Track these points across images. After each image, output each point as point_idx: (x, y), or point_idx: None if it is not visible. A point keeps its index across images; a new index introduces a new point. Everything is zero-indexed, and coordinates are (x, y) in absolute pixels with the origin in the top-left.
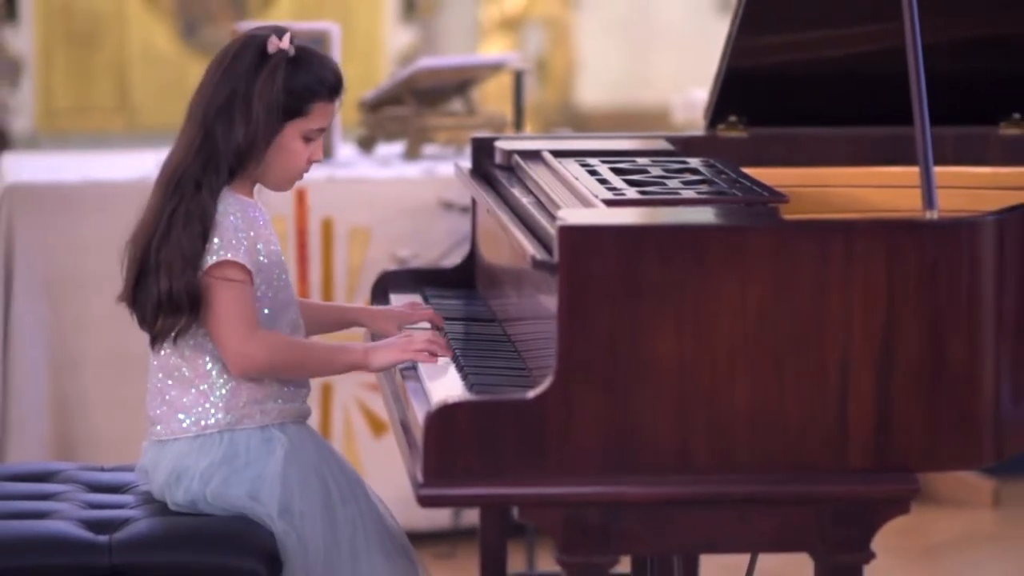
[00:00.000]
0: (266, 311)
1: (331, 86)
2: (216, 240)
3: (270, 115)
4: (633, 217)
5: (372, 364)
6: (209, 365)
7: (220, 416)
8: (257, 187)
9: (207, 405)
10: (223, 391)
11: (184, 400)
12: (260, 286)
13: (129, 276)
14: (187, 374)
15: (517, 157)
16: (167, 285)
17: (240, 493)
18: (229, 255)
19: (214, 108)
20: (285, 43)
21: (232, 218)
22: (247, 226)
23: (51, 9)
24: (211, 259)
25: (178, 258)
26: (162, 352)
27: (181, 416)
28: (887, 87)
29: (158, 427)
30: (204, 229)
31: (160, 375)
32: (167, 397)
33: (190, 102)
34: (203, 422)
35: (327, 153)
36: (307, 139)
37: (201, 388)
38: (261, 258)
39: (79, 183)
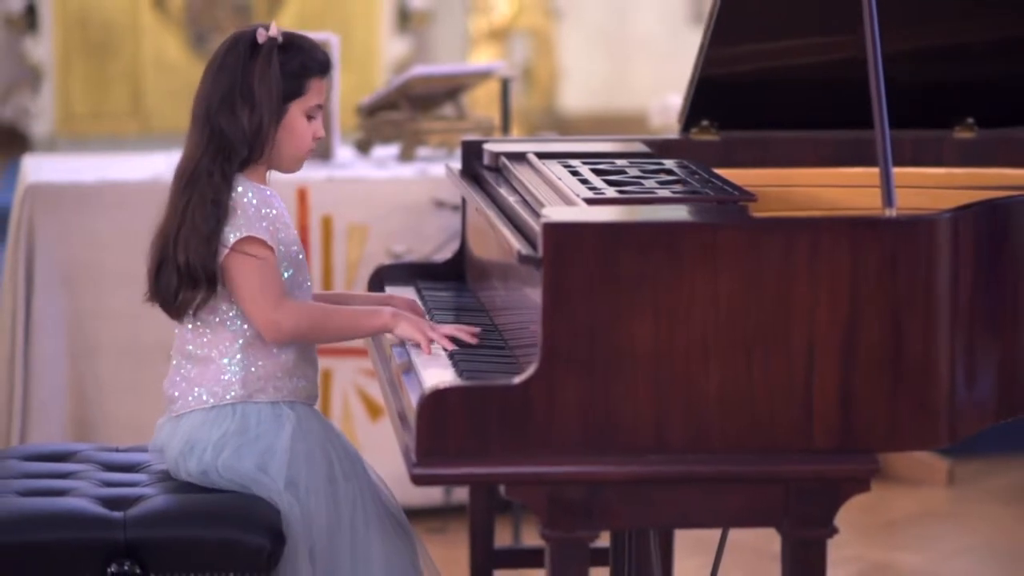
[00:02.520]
0: (287, 291)
1: (321, 62)
2: (238, 218)
3: (272, 99)
4: (612, 215)
5: (397, 330)
6: (227, 343)
7: (236, 390)
8: (269, 174)
9: (224, 380)
10: (239, 367)
11: (202, 376)
12: (281, 263)
13: (151, 268)
14: (205, 352)
15: (504, 159)
16: (184, 259)
17: (250, 465)
18: (251, 232)
19: (215, 103)
20: (274, 31)
21: (250, 198)
22: (265, 207)
23: (69, 20)
24: (233, 236)
25: (194, 235)
26: (182, 333)
27: (198, 390)
28: (850, 93)
29: (176, 404)
30: (218, 208)
31: (180, 356)
32: (187, 375)
33: (192, 107)
34: (220, 394)
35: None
36: (309, 117)
37: (220, 363)
38: (281, 239)
39: (95, 183)
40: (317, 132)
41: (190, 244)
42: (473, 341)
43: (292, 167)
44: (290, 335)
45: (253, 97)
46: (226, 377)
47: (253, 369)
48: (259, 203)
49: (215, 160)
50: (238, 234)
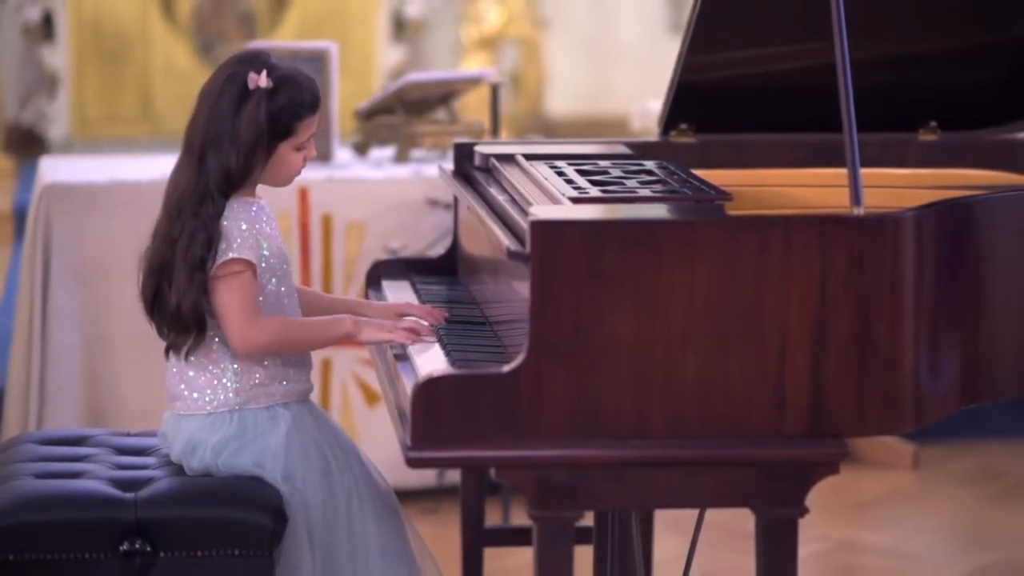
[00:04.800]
0: (272, 300)
1: (310, 103)
2: (222, 245)
3: (259, 144)
4: (596, 213)
5: (360, 336)
6: (222, 351)
7: (231, 396)
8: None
9: (219, 386)
10: (234, 375)
11: (200, 381)
12: (265, 275)
13: (146, 289)
14: (202, 359)
15: (494, 160)
16: (175, 305)
17: (247, 464)
18: (232, 255)
19: (207, 143)
20: (263, 81)
21: (237, 222)
22: (250, 224)
23: (84, 29)
24: (218, 260)
25: (183, 283)
26: None
27: (196, 395)
28: (820, 98)
29: (176, 403)
30: (205, 250)
31: (179, 359)
32: (185, 377)
33: (187, 127)
34: (216, 401)
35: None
36: (299, 149)
37: (214, 371)
38: (264, 252)
39: (108, 183)
40: (308, 155)
41: (178, 289)
42: (439, 322)
43: (281, 186)
44: (264, 349)
45: (241, 143)
46: (221, 386)
47: (246, 378)
48: (244, 224)
49: (202, 200)
50: (219, 259)
